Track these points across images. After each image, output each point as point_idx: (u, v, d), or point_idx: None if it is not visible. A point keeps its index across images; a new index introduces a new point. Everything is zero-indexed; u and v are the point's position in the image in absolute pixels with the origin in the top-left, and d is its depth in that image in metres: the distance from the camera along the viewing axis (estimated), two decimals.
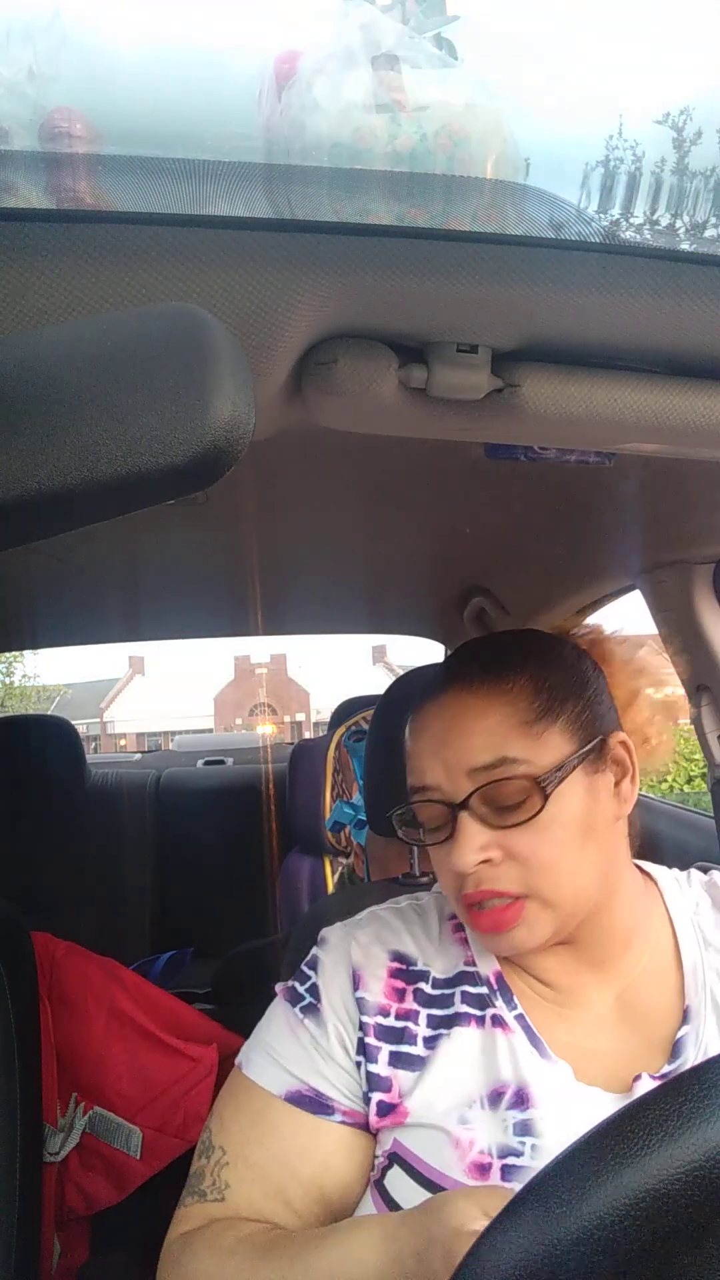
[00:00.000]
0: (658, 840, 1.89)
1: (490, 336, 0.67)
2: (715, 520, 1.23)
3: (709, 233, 0.62)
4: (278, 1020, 0.80)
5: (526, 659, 0.77)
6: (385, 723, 1.15)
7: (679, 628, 1.40)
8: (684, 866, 0.91)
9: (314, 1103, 0.76)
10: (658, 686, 0.84)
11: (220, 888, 2.55)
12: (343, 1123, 0.76)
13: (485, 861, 0.71)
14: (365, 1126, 0.76)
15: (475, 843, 0.71)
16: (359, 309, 0.62)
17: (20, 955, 1.13)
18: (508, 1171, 0.70)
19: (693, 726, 1.46)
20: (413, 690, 1.09)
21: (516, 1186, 0.68)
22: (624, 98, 0.59)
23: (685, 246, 0.63)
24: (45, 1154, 1.11)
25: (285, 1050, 0.78)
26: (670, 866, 0.90)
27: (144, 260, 0.55)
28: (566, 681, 0.77)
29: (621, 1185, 0.34)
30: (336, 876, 2.11)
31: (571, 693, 0.76)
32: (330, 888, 2.10)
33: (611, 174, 0.58)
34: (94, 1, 0.55)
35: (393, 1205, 0.71)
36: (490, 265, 0.60)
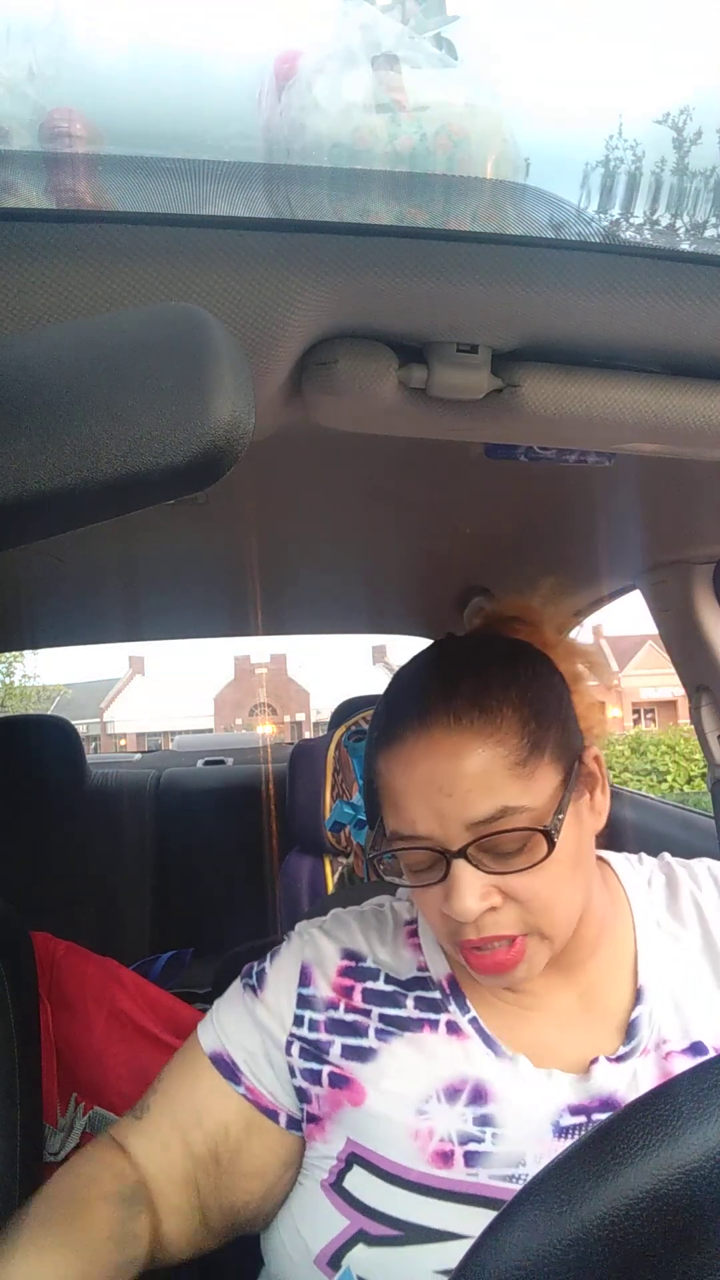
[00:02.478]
0: (658, 840, 1.89)
1: (490, 336, 0.67)
2: (715, 520, 1.23)
3: (709, 233, 0.62)
4: (231, 990, 0.85)
5: (509, 684, 0.73)
6: None
7: (679, 628, 1.40)
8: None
9: (227, 1067, 0.79)
10: (592, 667, 0.82)
11: (220, 888, 2.54)
12: (244, 1096, 0.78)
13: (489, 909, 0.69)
14: (267, 1112, 0.78)
15: (476, 891, 0.68)
16: (359, 309, 0.62)
17: (20, 955, 1.13)
18: (471, 1158, 0.70)
19: (692, 726, 1.46)
20: None
21: (480, 1173, 0.70)
22: (624, 98, 0.59)
23: (685, 246, 0.63)
24: (45, 1154, 1.11)
25: (223, 1017, 0.82)
26: None
27: (144, 260, 0.55)
28: (548, 705, 0.74)
29: (621, 1186, 0.34)
30: (336, 876, 2.11)
31: (554, 717, 0.74)
32: (330, 888, 2.10)
33: (611, 174, 0.58)
34: (94, 2, 0.55)
35: (360, 1206, 0.71)
36: (490, 265, 0.60)
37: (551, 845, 0.69)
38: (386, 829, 0.75)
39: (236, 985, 0.84)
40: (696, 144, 0.59)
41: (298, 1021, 0.78)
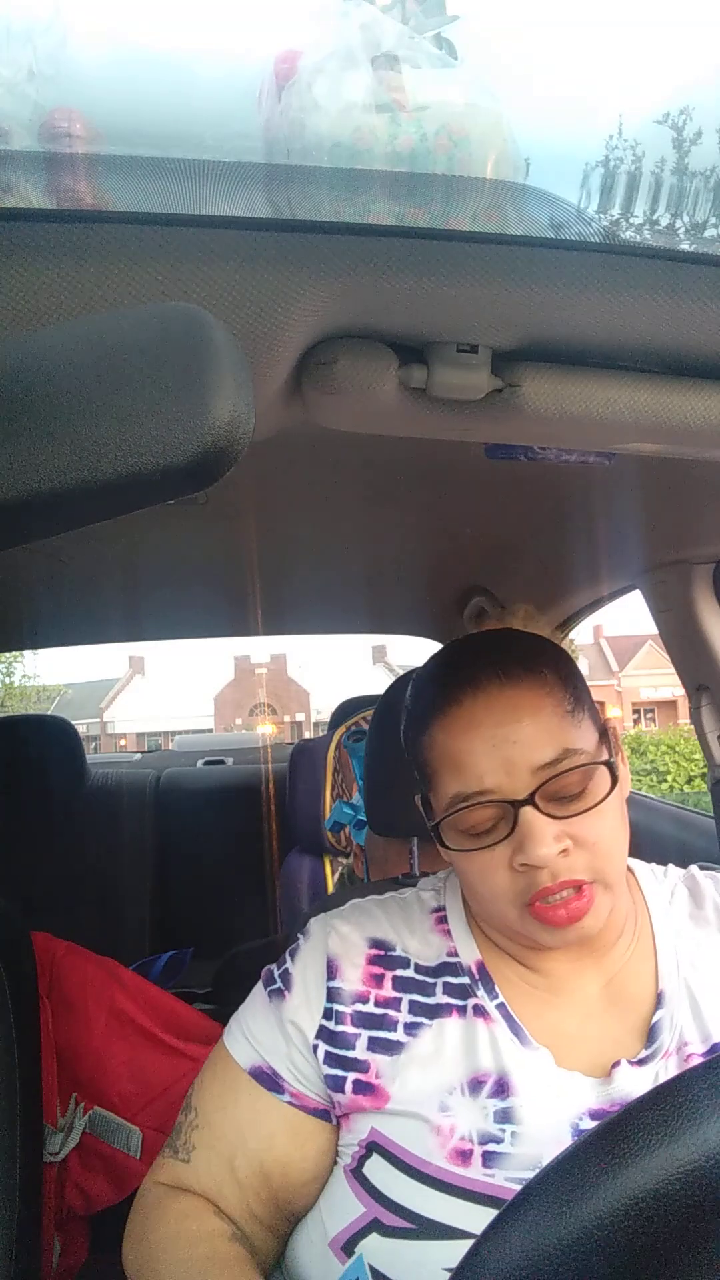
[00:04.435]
0: (658, 840, 1.89)
1: (490, 336, 0.67)
2: (715, 520, 1.23)
3: (709, 233, 0.62)
4: (254, 999, 0.83)
5: (543, 652, 0.79)
6: (385, 723, 1.15)
7: (679, 628, 1.40)
8: (684, 866, 0.92)
9: (269, 1079, 0.78)
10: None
11: (220, 888, 2.54)
12: (289, 1103, 0.78)
13: (561, 852, 0.71)
14: (317, 1113, 0.78)
15: (549, 834, 0.71)
16: (359, 309, 0.62)
17: (20, 955, 1.13)
18: (489, 1158, 0.71)
19: (692, 726, 1.46)
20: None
21: (497, 1174, 0.70)
22: (624, 98, 0.59)
23: (685, 246, 0.63)
24: (45, 1154, 1.11)
25: (254, 1027, 0.81)
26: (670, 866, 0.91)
27: (144, 260, 0.55)
28: (577, 675, 0.79)
29: (621, 1186, 0.34)
30: (336, 876, 2.11)
31: (583, 686, 0.79)
32: (330, 888, 2.10)
33: (611, 174, 0.58)
34: (94, 2, 0.55)
35: (376, 1194, 0.72)
36: (490, 265, 0.60)
37: (615, 779, 0.74)
38: (444, 796, 0.76)
39: (260, 993, 0.83)
40: (696, 144, 0.59)
41: (326, 1015, 0.78)
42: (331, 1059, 0.77)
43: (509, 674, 0.75)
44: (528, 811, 0.71)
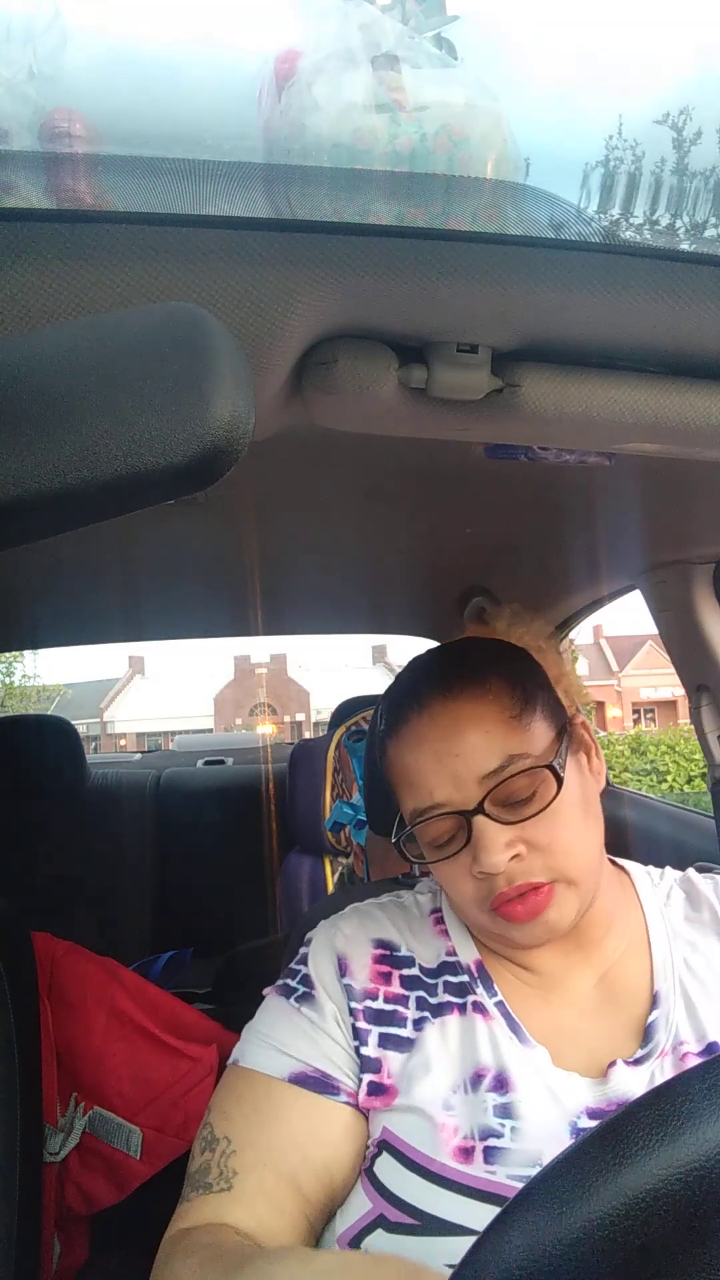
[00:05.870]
0: (658, 840, 1.89)
1: (490, 336, 0.67)
2: (715, 520, 1.23)
3: (709, 233, 0.62)
4: (272, 1012, 0.81)
5: (490, 660, 0.80)
6: None
7: (679, 628, 1.40)
8: (683, 866, 0.92)
9: (319, 1083, 0.76)
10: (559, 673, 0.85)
11: (220, 888, 2.54)
12: (346, 1103, 0.76)
13: (514, 857, 0.73)
14: (360, 1109, 0.77)
15: (500, 842, 0.73)
16: (359, 309, 0.62)
17: (20, 955, 1.13)
18: (490, 1154, 0.71)
19: (692, 726, 1.46)
20: None
21: (499, 1171, 0.70)
22: (624, 98, 0.59)
23: (685, 246, 0.63)
24: (45, 1154, 1.11)
25: (283, 1037, 0.78)
26: (670, 867, 0.91)
27: (144, 260, 0.55)
28: (531, 675, 0.80)
29: (621, 1186, 0.34)
30: (336, 876, 2.11)
31: (537, 684, 0.80)
32: (330, 888, 2.10)
33: (611, 174, 0.58)
34: (95, 2, 0.55)
35: (384, 1192, 0.72)
36: (490, 265, 0.60)
37: (559, 781, 0.74)
38: (405, 812, 0.79)
39: (283, 1004, 0.80)
40: (696, 144, 0.59)
41: (350, 1012, 0.79)
42: (359, 1058, 0.77)
43: (450, 688, 0.77)
44: (479, 820, 0.73)
